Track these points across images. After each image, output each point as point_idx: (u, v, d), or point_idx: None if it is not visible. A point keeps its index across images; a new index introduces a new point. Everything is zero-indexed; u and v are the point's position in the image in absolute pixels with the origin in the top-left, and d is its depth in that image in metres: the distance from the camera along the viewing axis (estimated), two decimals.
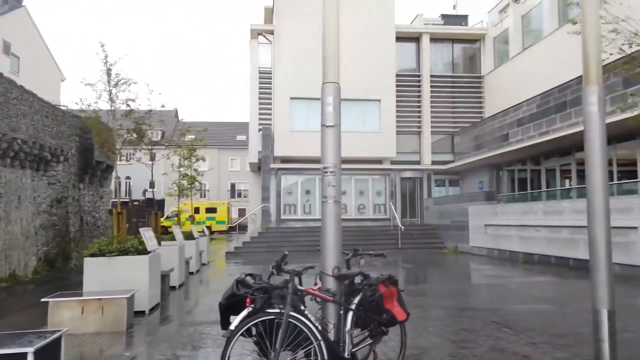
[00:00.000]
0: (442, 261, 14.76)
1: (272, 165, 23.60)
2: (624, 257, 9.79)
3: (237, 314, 3.57)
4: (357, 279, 4.20)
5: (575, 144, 15.65)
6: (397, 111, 24.63)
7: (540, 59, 19.64)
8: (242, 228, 32.99)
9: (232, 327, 3.44)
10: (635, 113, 9.23)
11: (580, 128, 13.89)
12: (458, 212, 18.28)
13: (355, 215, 24.05)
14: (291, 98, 23.84)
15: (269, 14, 26.45)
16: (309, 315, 3.60)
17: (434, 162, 24.96)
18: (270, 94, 24.69)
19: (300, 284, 4.03)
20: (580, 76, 12.48)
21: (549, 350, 4.72)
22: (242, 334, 3.44)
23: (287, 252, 3.82)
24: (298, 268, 4.03)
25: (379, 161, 24.63)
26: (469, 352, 4.73)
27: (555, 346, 4.86)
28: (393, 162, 24.57)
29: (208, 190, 48.58)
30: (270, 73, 24.74)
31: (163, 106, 9.50)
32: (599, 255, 4.33)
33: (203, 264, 13.97)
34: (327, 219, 4.09)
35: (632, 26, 7.55)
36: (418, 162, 25.34)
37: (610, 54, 7.68)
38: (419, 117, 25.64)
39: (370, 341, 4.00)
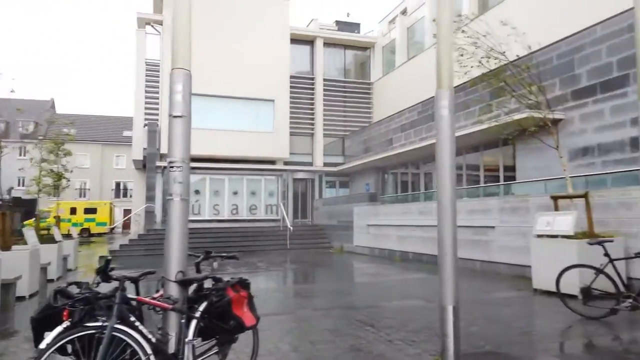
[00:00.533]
0: (326, 261, 14.97)
1: (158, 163, 22.29)
2: (483, 254, 10.66)
3: (53, 329, 3.07)
4: (208, 284, 3.90)
5: None
6: (291, 112, 24.73)
7: (422, 69, 20.90)
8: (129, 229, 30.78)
9: (42, 345, 2.94)
10: (494, 124, 10.17)
11: (459, 133, 14.97)
12: (344, 213, 18.76)
13: (246, 216, 23.66)
14: None
15: (159, 3, 24.99)
16: (140, 327, 3.21)
17: (325, 164, 25.44)
18: (157, 87, 23.32)
19: (137, 292, 3.63)
20: (456, 87, 13.21)
21: (403, 347, 4.83)
22: (55, 353, 2.95)
23: (110, 257, 3.38)
24: (134, 274, 3.62)
25: (272, 161, 24.48)
26: (327, 354, 4.66)
27: (409, 342, 4.99)
28: (286, 163, 24.60)
29: (88, 189, 44.68)
30: (159, 66, 23.38)
31: (13, 91, 8.29)
32: (446, 254, 4.50)
33: (69, 270, 12.61)
34: (173, 219, 3.72)
35: (490, 41, 8.21)
36: (310, 164, 25.66)
37: (472, 67, 8.30)
38: (312, 119, 25.98)
39: (217, 350, 3.72)
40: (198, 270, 4.16)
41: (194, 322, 3.53)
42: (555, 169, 10.37)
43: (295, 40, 25.54)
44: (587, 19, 11.61)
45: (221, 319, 3.64)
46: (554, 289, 6.35)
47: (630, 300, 5.45)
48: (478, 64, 8.36)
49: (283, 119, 24.14)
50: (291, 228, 18.46)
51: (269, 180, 24.38)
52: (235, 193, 23.63)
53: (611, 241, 5.85)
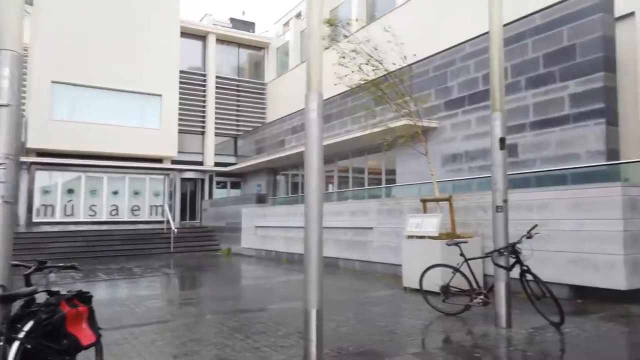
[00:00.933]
0: (211, 264, 14.48)
1: (24, 159, 19.89)
2: (363, 254, 11.04)
3: None
4: (41, 298, 3.41)
5: (337, 153, 17.30)
6: (180, 109, 23.69)
7: None
8: None
9: None
10: (370, 130, 10.62)
11: (340, 138, 15.39)
12: (233, 214, 18.36)
13: (128, 218, 22.11)
14: (53, 82, 20.61)
15: None
16: None
17: (216, 164, 24.76)
18: (25, 74, 20.80)
19: None
20: (343, 92, 13.47)
21: (269, 354, 4.71)
22: None
23: None
24: None
25: (158, 160, 23.18)
26: None
27: (276, 348, 4.89)
28: (174, 162, 23.47)
29: None
30: (27, 50, 20.88)
31: None
32: (312, 256, 4.47)
33: None
34: None
35: (369, 47, 8.51)
36: (201, 163, 24.81)
37: (352, 71, 8.54)
38: (204, 117, 25.14)
39: None
40: (28, 284, 3.63)
41: (15, 344, 3.05)
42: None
43: (187, 34, 24.57)
44: (460, 36, 12.61)
45: (52, 339, 3.20)
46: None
47: (482, 297, 5.93)
48: (358, 70, 8.61)
49: (171, 115, 23.00)
50: (175, 230, 17.58)
51: (155, 179, 23.03)
52: (115, 193, 21.94)
53: (466, 242, 6.32)
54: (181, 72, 23.71)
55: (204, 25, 26.30)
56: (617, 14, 9.77)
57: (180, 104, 23.55)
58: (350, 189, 16.35)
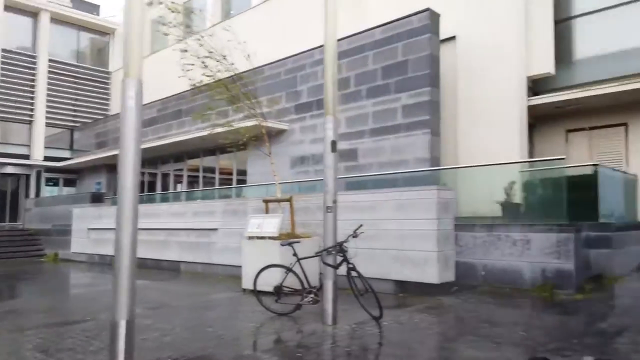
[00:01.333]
0: (31, 271, 12.65)
1: None
2: (206, 257, 10.63)
3: None
4: None
5: (187, 151, 16.54)
6: (2, 93, 20.38)
7: (166, 65, 19.99)
8: None
9: None
10: (218, 129, 10.36)
11: (191, 135, 14.71)
12: (62, 215, 16.34)
13: None
14: None
15: None
16: None
17: (47, 158, 21.83)
18: None
19: None
20: (193, 88, 12.68)
21: None
22: None
23: None
24: None
25: None
26: None
27: None
28: None
29: None
30: None
31: None
32: (123, 261, 4.02)
33: None
34: None
35: (212, 43, 8.23)
36: (27, 157, 21.61)
37: (192, 64, 8.16)
38: (32, 104, 21.99)
39: None
40: None
41: None
42: (281, 174, 11.14)
43: (13, 8, 21.28)
44: (312, 42, 12.93)
45: None
46: (257, 288, 6.59)
47: (312, 296, 6.06)
48: (202, 65, 8.26)
49: None
50: None
51: None
52: None
53: (298, 242, 6.42)
54: (4, 50, 20.42)
55: (36, 0, 23.00)
56: (442, 37, 10.99)
57: (2, 87, 20.25)
58: (198, 189, 15.73)
